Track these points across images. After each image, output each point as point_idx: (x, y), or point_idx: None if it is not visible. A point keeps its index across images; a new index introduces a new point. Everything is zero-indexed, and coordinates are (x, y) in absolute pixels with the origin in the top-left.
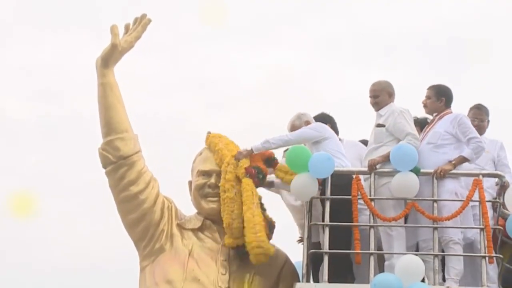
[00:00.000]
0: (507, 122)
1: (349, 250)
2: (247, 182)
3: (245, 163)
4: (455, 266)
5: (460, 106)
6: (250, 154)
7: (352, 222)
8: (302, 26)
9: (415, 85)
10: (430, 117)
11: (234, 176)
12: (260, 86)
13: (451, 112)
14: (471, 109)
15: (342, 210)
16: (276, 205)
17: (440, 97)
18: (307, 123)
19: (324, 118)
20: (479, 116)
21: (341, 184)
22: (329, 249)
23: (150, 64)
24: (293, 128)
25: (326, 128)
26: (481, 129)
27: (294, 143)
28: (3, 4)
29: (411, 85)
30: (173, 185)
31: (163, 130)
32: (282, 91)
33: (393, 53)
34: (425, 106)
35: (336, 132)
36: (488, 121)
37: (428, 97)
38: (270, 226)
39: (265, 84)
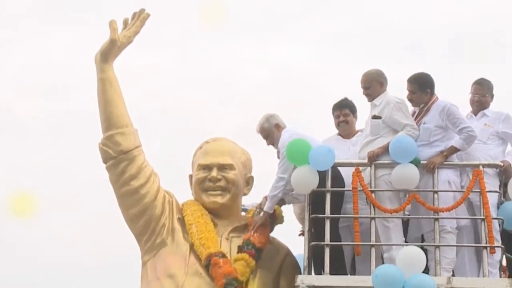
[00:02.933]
0: None
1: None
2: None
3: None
4: (447, 255)
5: None
6: (266, 217)
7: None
8: (310, 22)
9: None
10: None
11: None
12: (268, 81)
13: (437, 99)
14: (472, 84)
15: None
16: None
17: (425, 89)
18: (277, 126)
19: (348, 105)
20: (480, 91)
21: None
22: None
23: (159, 60)
24: (262, 130)
25: (284, 142)
26: (483, 104)
27: (289, 177)
28: (11, 0)
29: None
30: (180, 179)
31: (170, 125)
32: (290, 87)
33: (401, 47)
34: (411, 100)
35: (356, 117)
36: (493, 95)
37: (412, 92)
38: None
39: (273, 79)
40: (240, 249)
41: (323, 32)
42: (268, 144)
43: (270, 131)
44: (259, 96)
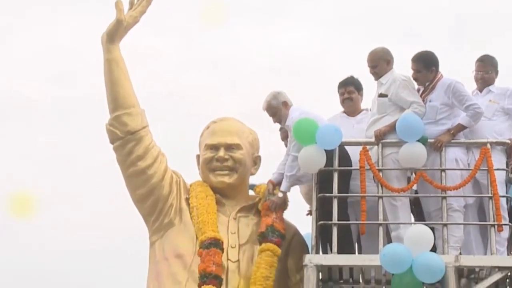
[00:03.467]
0: None
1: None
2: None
3: None
4: (455, 233)
5: None
6: (285, 197)
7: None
8: (313, 5)
9: None
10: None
11: None
12: (272, 64)
13: (442, 77)
14: (476, 62)
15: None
16: None
17: (430, 67)
18: (285, 103)
19: (353, 82)
20: (483, 68)
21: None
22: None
23: (164, 43)
24: (270, 107)
25: (293, 119)
26: (487, 81)
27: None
28: None
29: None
30: (184, 162)
31: (175, 107)
32: (294, 70)
33: (404, 28)
34: (416, 79)
35: (362, 95)
36: (497, 72)
37: (417, 71)
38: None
39: (277, 62)
40: (263, 237)
41: (326, 14)
42: (275, 122)
43: (278, 109)
44: (263, 79)
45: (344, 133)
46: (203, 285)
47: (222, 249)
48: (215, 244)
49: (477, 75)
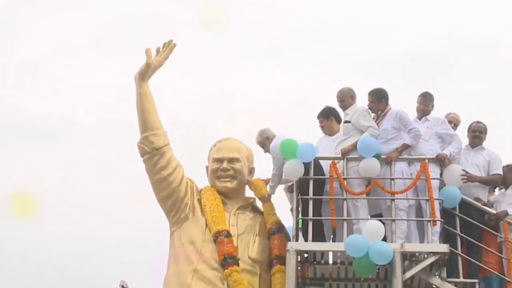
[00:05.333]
0: None
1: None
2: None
3: None
4: (400, 227)
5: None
6: (269, 197)
7: (323, 196)
8: (301, 51)
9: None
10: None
11: None
12: (268, 98)
13: (391, 108)
14: (419, 96)
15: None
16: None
17: (381, 100)
18: (267, 138)
19: (329, 111)
20: (424, 102)
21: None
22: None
23: (182, 80)
24: (258, 143)
25: (273, 148)
26: (426, 112)
27: (280, 168)
28: (74, 35)
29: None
30: (199, 176)
31: (190, 134)
32: (286, 102)
33: (366, 70)
34: (370, 108)
35: (339, 120)
36: (433, 105)
37: (371, 102)
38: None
39: (273, 96)
40: (273, 232)
41: (311, 59)
42: (265, 152)
43: (263, 143)
44: (261, 109)
45: (325, 149)
46: (228, 267)
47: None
48: (229, 235)
49: (419, 106)
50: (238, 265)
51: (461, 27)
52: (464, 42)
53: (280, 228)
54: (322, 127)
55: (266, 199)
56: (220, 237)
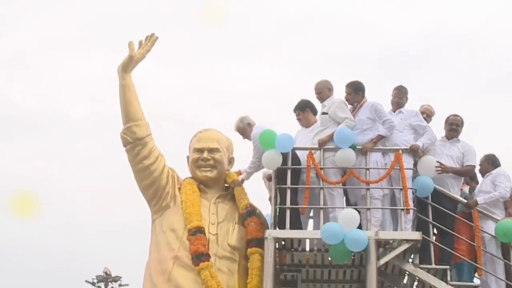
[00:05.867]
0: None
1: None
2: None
3: None
4: (375, 215)
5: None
6: (242, 183)
7: (300, 185)
8: (281, 46)
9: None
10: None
11: None
12: (252, 92)
13: (367, 100)
14: (394, 89)
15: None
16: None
17: (358, 92)
18: (249, 124)
19: (305, 103)
20: (398, 95)
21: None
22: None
23: (164, 74)
24: (238, 128)
25: (254, 137)
26: (400, 104)
27: (260, 157)
28: (64, 29)
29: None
30: (180, 165)
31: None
32: (268, 96)
33: (345, 65)
34: (347, 100)
35: (315, 112)
36: (407, 98)
37: (348, 93)
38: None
39: (255, 90)
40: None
41: (291, 54)
42: (244, 139)
43: (244, 129)
44: (241, 103)
45: (302, 141)
46: (199, 263)
47: (205, 234)
48: (200, 231)
49: (394, 99)
50: (207, 260)
51: (441, 23)
52: (443, 38)
53: (252, 211)
54: (299, 119)
55: (237, 184)
56: (189, 236)
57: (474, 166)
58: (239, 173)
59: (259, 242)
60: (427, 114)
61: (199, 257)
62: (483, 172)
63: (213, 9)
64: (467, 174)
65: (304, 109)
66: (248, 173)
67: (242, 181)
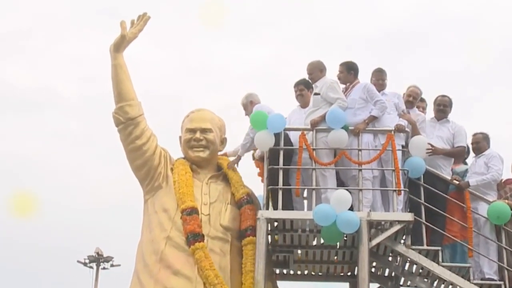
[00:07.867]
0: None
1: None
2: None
3: None
4: (367, 196)
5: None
6: (239, 159)
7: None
8: (276, 27)
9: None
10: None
11: None
12: (245, 72)
13: (359, 82)
14: (374, 72)
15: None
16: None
17: (350, 71)
18: (251, 102)
19: (303, 82)
20: (381, 77)
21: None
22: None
23: (158, 54)
24: (242, 104)
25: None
26: (382, 86)
27: (254, 136)
28: (58, 9)
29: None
30: (173, 145)
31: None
32: (261, 76)
33: (339, 46)
34: (339, 78)
35: (310, 91)
36: (387, 79)
37: (341, 72)
38: None
39: (249, 71)
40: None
41: (286, 34)
42: (246, 115)
43: (246, 105)
44: (236, 84)
45: (297, 121)
46: (195, 243)
47: (199, 214)
48: (195, 211)
49: (377, 81)
50: (202, 241)
51: (440, 3)
52: (441, 17)
53: (251, 200)
54: (301, 95)
55: (231, 166)
56: (183, 216)
57: (465, 147)
58: (225, 155)
59: (255, 231)
60: (413, 97)
61: (195, 237)
62: (479, 150)
63: (213, 9)
64: (457, 155)
65: (309, 87)
66: (243, 145)
67: (239, 158)
